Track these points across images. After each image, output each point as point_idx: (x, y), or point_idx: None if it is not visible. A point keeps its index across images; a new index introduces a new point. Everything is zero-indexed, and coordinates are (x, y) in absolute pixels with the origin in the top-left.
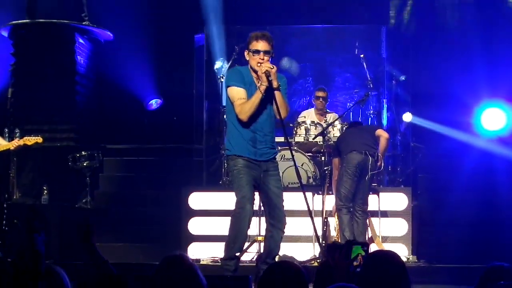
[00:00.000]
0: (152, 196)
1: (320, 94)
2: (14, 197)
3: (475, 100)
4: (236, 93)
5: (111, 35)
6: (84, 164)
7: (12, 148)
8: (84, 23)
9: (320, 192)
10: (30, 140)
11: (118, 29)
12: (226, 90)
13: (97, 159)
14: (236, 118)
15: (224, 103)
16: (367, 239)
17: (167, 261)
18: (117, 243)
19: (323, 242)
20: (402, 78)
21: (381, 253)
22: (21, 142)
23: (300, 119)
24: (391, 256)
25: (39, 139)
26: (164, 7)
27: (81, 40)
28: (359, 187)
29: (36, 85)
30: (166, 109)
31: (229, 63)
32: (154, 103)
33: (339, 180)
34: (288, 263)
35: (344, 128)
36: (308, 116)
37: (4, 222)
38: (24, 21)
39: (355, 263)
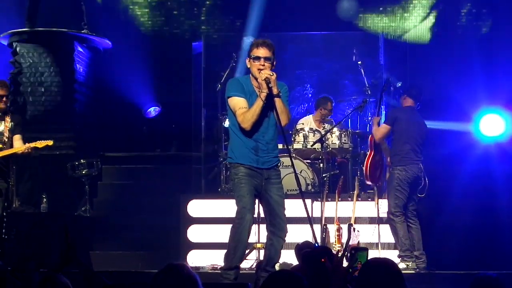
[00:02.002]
0: (151, 204)
1: (330, 106)
2: (14, 206)
3: (474, 106)
4: (237, 102)
5: (110, 43)
6: (83, 172)
7: (20, 152)
8: (83, 31)
9: (319, 199)
10: (41, 143)
11: (117, 37)
12: (227, 101)
13: (95, 167)
14: (238, 127)
15: (221, 110)
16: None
17: (166, 270)
18: (116, 251)
19: None
20: (399, 84)
21: (377, 261)
22: (32, 145)
23: (298, 126)
24: (388, 264)
25: (49, 142)
26: (163, 15)
27: (80, 49)
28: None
29: (35, 94)
30: (165, 117)
31: (227, 71)
32: (153, 110)
33: (393, 185)
34: (290, 272)
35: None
36: (307, 123)
37: (3, 230)
38: (24, 29)
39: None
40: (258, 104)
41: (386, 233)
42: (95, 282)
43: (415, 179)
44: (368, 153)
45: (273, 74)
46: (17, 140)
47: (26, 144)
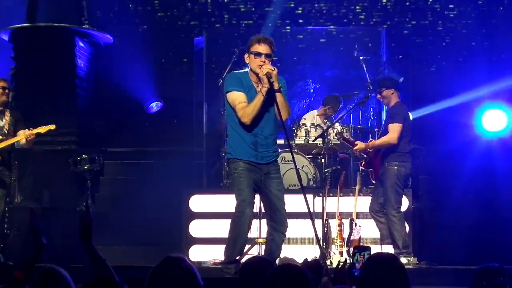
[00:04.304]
0: (153, 199)
1: (338, 107)
2: (16, 201)
3: (476, 101)
4: (237, 97)
5: (111, 38)
6: (85, 168)
7: (23, 139)
8: (84, 26)
9: (321, 194)
10: (44, 128)
11: (118, 32)
12: (225, 96)
13: (97, 162)
14: (237, 122)
15: (223, 106)
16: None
17: (165, 262)
18: (118, 246)
19: (324, 244)
20: (401, 79)
21: (380, 256)
22: (34, 131)
23: (301, 122)
24: (390, 259)
25: (52, 126)
26: (164, 10)
27: (81, 44)
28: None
29: (36, 89)
30: (166, 112)
31: (229, 66)
32: (155, 106)
33: (393, 181)
34: (293, 266)
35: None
36: (308, 118)
37: (5, 225)
38: (25, 25)
39: (357, 265)
40: (259, 99)
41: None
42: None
43: (408, 176)
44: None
45: (274, 69)
46: (22, 134)
47: (27, 131)
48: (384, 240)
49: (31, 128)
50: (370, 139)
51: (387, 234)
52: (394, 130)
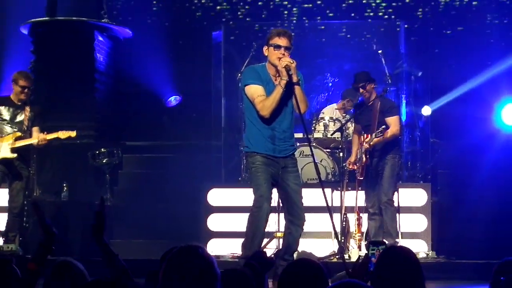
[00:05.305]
0: (171, 193)
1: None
2: (34, 194)
3: (495, 96)
4: (255, 90)
5: (130, 32)
6: (104, 161)
7: (36, 143)
8: (103, 20)
9: (339, 188)
10: (64, 133)
11: (137, 26)
12: (243, 89)
13: (116, 156)
14: (255, 116)
15: (241, 99)
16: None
17: (181, 251)
18: (136, 240)
19: (342, 238)
20: (419, 74)
21: (395, 249)
22: (52, 136)
23: (320, 116)
24: (405, 252)
25: (72, 134)
26: (183, 4)
27: (100, 38)
28: None
29: (55, 83)
30: (185, 106)
31: (247, 60)
32: (173, 100)
33: (394, 173)
34: (309, 261)
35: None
36: (327, 112)
37: (24, 219)
38: (44, 18)
39: (373, 260)
40: (278, 92)
41: (406, 222)
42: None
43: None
44: (365, 159)
45: (293, 62)
46: (36, 131)
47: (41, 135)
48: (376, 237)
49: (45, 132)
50: (365, 134)
51: (375, 232)
52: (396, 123)
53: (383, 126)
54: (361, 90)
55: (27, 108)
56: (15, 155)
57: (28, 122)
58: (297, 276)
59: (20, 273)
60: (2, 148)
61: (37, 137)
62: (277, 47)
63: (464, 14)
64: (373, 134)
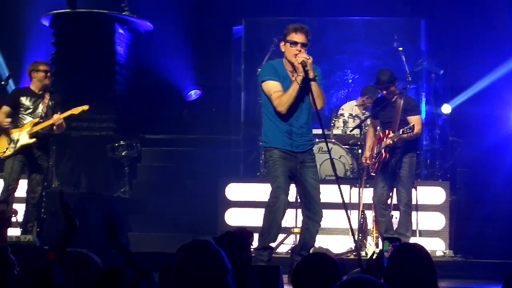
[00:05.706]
0: (189, 187)
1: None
2: (53, 186)
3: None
4: (272, 86)
5: (151, 25)
6: (123, 154)
7: (56, 122)
8: (124, 13)
9: (357, 185)
10: (77, 109)
11: (158, 19)
12: (261, 85)
13: (135, 149)
14: (272, 111)
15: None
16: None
17: (192, 246)
18: (154, 233)
19: (360, 235)
20: (441, 72)
21: (408, 246)
22: (67, 113)
23: (340, 112)
24: (418, 249)
25: (85, 107)
26: None
27: (121, 31)
28: None
29: (76, 75)
30: (205, 100)
31: (268, 55)
32: (193, 93)
33: (414, 173)
34: (323, 255)
35: None
36: (347, 108)
37: (42, 210)
38: (65, 10)
39: (386, 254)
40: (294, 88)
41: (424, 220)
42: (133, 263)
43: None
44: (384, 155)
45: (309, 58)
46: (54, 118)
47: (56, 115)
48: (388, 232)
49: (59, 112)
50: (386, 131)
51: (387, 227)
52: (419, 122)
53: (412, 124)
54: (384, 91)
55: (47, 96)
56: (34, 139)
57: (47, 110)
58: (311, 270)
59: (16, 262)
60: (21, 136)
61: (53, 119)
62: (294, 43)
63: (485, 11)
64: (400, 131)
